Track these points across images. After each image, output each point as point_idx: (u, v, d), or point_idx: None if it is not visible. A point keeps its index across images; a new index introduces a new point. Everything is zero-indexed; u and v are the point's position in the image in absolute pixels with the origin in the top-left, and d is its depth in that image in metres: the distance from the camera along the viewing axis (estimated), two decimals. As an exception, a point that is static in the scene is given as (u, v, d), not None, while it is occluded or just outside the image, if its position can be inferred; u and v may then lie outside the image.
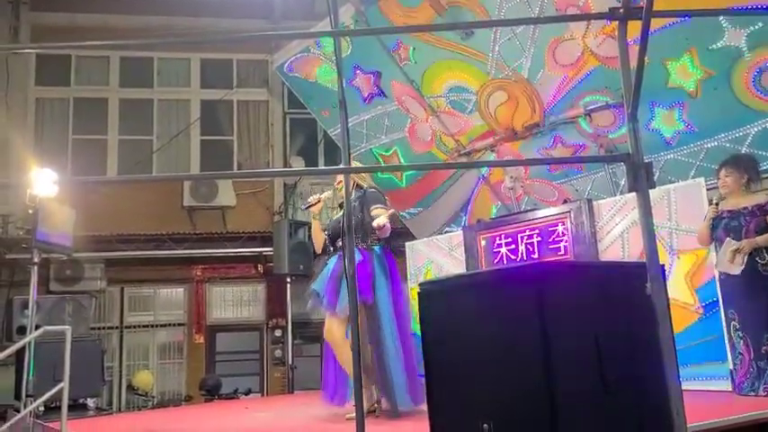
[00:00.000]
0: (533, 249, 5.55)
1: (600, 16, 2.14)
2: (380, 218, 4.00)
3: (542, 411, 1.93)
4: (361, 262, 3.91)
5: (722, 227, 4.02)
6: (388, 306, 4.01)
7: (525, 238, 5.63)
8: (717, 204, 4.10)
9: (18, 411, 5.05)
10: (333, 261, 4.14)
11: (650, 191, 1.98)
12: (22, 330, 6.41)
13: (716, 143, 5.15)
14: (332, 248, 4.25)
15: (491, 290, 2.20)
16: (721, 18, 4.54)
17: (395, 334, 3.97)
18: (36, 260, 5.36)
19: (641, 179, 1.92)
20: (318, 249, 4.46)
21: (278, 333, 9.30)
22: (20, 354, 5.42)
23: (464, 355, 2.22)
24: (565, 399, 1.93)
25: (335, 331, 3.99)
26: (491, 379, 2.11)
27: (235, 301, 9.64)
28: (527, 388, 1.99)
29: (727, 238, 3.96)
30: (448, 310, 2.34)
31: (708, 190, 4.48)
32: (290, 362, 8.13)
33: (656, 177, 5.25)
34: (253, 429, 4.31)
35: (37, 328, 5.02)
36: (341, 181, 4.08)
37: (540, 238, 5.53)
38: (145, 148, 9.62)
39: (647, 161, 1.95)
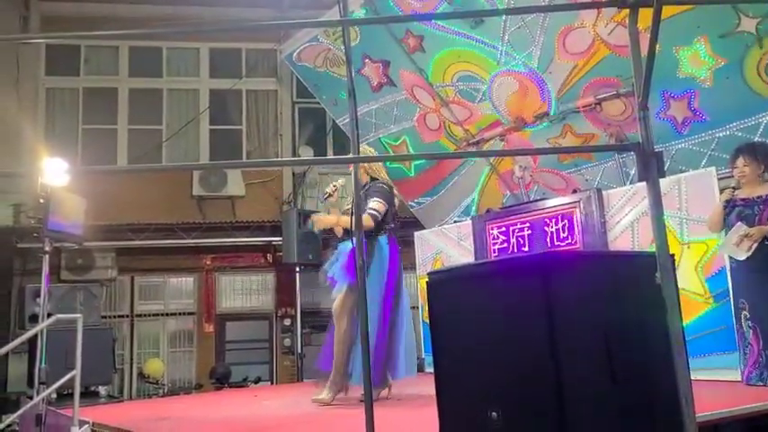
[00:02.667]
0: (542, 239, 5.53)
1: (611, 4, 2.12)
2: (363, 215, 4.15)
3: (550, 400, 1.93)
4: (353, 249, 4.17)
5: (735, 214, 3.99)
6: (374, 290, 4.17)
7: (534, 227, 5.61)
8: (733, 189, 4.05)
9: (31, 398, 5.10)
10: (346, 246, 4.34)
11: (660, 180, 1.96)
12: (34, 318, 6.47)
13: (727, 132, 5.11)
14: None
15: (500, 279, 2.20)
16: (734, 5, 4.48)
17: (374, 316, 4.12)
18: (47, 249, 5.39)
19: (651, 168, 1.91)
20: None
21: (287, 322, 9.34)
22: (32, 342, 5.48)
23: (473, 344, 2.22)
24: (573, 388, 1.93)
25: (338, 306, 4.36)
26: (499, 368, 2.11)
27: (244, 291, 9.68)
28: (535, 377, 1.99)
29: (739, 222, 3.93)
30: (456, 300, 2.34)
31: (719, 179, 4.45)
32: (299, 351, 8.17)
33: (666, 167, 5.26)
34: (262, 417, 4.34)
35: (49, 316, 5.06)
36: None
37: (548, 228, 5.51)
38: (154, 137, 9.65)
39: (657, 150, 1.94)
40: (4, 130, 8.55)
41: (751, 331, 3.87)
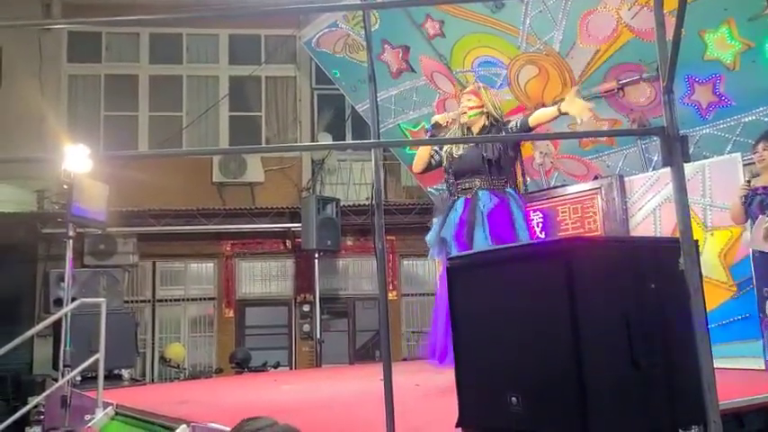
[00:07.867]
0: (562, 225, 5.50)
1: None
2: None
3: (571, 386, 1.93)
4: (498, 205, 3.76)
5: (757, 203, 3.93)
6: None
7: (555, 213, 5.57)
8: (748, 182, 4.00)
9: (56, 381, 5.20)
10: (460, 204, 3.87)
11: (685, 166, 1.93)
12: (58, 303, 6.57)
13: (753, 117, 5.02)
14: (455, 188, 3.95)
15: (521, 264, 2.19)
16: (762, -13, 4.39)
17: None
18: (71, 234, 5.47)
19: (676, 153, 1.88)
20: (419, 168, 4.18)
21: (306, 308, 9.40)
22: (57, 325, 5.57)
23: (493, 330, 2.22)
24: (594, 374, 1.92)
25: None
26: (520, 353, 2.11)
27: (263, 276, 9.75)
28: (556, 362, 1.98)
29: (761, 216, 3.87)
30: (477, 285, 2.34)
31: (744, 165, 4.38)
32: (317, 336, 8.23)
33: (690, 152, 5.17)
34: (282, 402, 4.38)
35: (73, 300, 5.14)
36: (473, 107, 3.94)
37: (569, 215, 5.47)
38: (174, 124, 9.70)
39: (681, 135, 1.91)
40: (27, 116, 8.67)
41: (775, 320, 3.82)
